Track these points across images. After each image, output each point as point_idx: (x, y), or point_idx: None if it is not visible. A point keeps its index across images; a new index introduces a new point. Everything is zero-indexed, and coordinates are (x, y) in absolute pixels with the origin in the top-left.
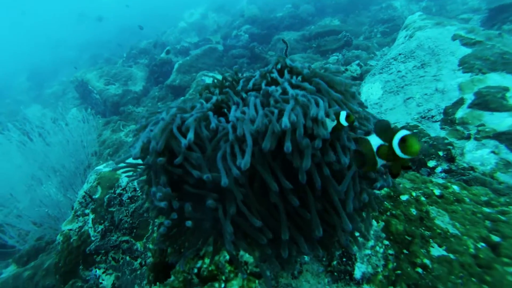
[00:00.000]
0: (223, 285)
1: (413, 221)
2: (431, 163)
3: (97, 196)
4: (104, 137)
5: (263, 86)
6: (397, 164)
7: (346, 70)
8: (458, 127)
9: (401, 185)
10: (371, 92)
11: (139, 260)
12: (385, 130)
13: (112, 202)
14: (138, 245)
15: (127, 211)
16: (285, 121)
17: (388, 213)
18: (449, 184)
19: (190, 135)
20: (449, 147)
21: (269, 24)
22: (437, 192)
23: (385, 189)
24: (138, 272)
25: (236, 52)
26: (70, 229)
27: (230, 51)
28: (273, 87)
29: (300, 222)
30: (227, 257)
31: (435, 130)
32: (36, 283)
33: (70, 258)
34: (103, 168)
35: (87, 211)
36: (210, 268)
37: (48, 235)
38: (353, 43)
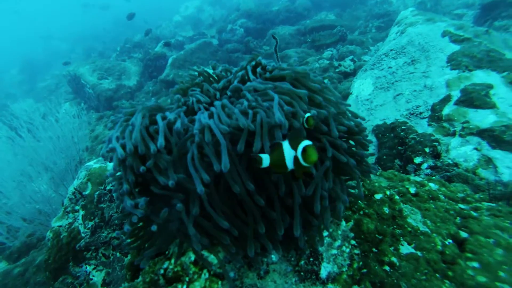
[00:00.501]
0: (185, 286)
1: (385, 220)
2: (417, 160)
3: (87, 192)
4: (97, 132)
5: (235, 83)
6: (299, 170)
7: (340, 65)
8: (445, 124)
9: (376, 184)
10: (362, 88)
11: (129, 257)
12: (295, 139)
13: (102, 199)
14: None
15: (117, 208)
16: (258, 120)
17: (361, 212)
18: (426, 182)
19: (160, 141)
20: (435, 143)
21: (265, 18)
22: (412, 190)
23: (361, 188)
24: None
25: (231, 46)
26: (60, 226)
27: (225, 45)
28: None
29: (265, 222)
30: (192, 258)
31: (422, 127)
32: (27, 280)
33: (60, 254)
34: (94, 164)
35: (77, 207)
36: (175, 269)
37: (39, 232)
38: (348, 38)
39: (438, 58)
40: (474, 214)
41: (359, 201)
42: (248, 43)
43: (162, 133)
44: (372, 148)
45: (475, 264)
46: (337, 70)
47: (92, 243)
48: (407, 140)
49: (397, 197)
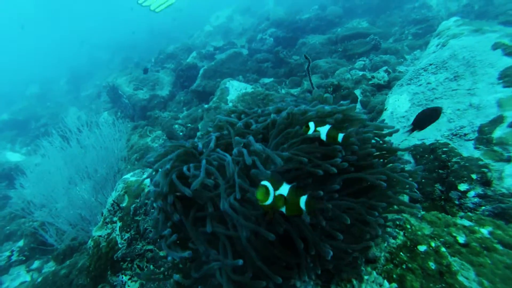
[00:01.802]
0: None
1: (431, 277)
2: (462, 186)
3: (124, 204)
4: (132, 141)
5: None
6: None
7: (373, 77)
8: (496, 148)
9: (419, 232)
10: (397, 104)
11: (162, 270)
12: (274, 181)
13: (138, 211)
14: (162, 254)
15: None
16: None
17: (404, 266)
18: (477, 227)
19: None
20: (484, 169)
21: (295, 27)
22: (461, 239)
23: (401, 237)
24: (161, 282)
25: (261, 56)
26: (100, 236)
27: (255, 55)
28: None
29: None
30: None
31: (468, 150)
32: (70, 281)
33: (99, 263)
34: (130, 177)
35: (115, 218)
36: None
37: (80, 236)
38: (382, 46)
39: (487, 74)
40: None
41: (401, 253)
42: (278, 53)
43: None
44: (408, 170)
45: None
46: (370, 82)
47: (128, 254)
48: (449, 163)
49: (443, 249)
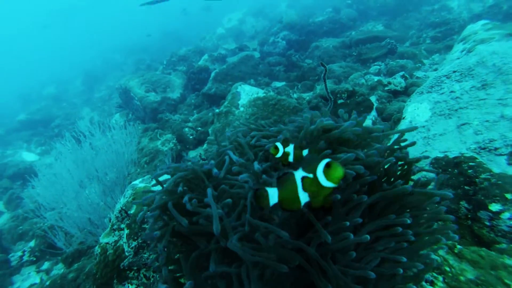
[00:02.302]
0: None
1: None
2: (494, 207)
3: (132, 211)
4: (142, 144)
5: None
6: (319, 197)
7: (389, 83)
8: None
9: (462, 278)
10: (417, 113)
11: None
12: (311, 163)
13: (146, 219)
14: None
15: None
16: None
17: None
18: None
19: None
20: None
21: (308, 30)
22: None
23: (440, 285)
24: None
25: (273, 59)
26: (107, 243)
27: (267, 58)
28: None
29: None
30: None
31: (499, 166)
32: (78, 285)
33: (106, 271)
34: (139, 183)
35: (122, 225)
36: None
37: (89, 240)
38: (398, 50)
39: None
40: None
41: None
42: (290, 56)
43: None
44: (430, 186)
45: None
46: (386, 88)
47: (134, 263)
48: (477, 180)
49: None
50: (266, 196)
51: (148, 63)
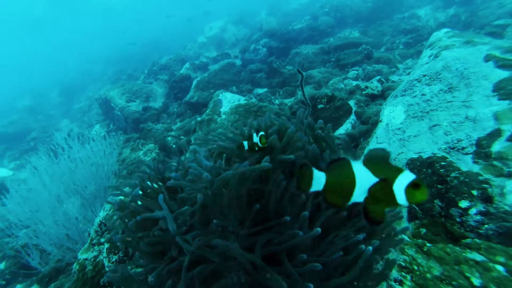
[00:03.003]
0: None
1: None
2: (463, 203)
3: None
4: (124, 155)
5: None
6: (378, 207)
7: (366, 87)
8: (495, 163)
9: (428, 275)
10: (393, 115)
11: None
12: (381, 165)
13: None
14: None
15: None
16: None
17: None
18: (491, 264)
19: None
20: (485, 185)
21: (287, 37)
22: (476, 282)
23: (408, 283)
24: None
25: (254, 66)
26: (86, 259)
27: (248, 65)
28: None
29: None
30: None
31: (466, 164)
32: None
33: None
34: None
35: (102, 239)
36: None
37: (67, 257)
38: (374, 55)
39: (481, 86)
40: None
41: None
42: (271, 63)
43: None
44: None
45: None
46: (364, 92)
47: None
48: (448, 178)
49: None
50: (310, 176)
51: (129, 73)
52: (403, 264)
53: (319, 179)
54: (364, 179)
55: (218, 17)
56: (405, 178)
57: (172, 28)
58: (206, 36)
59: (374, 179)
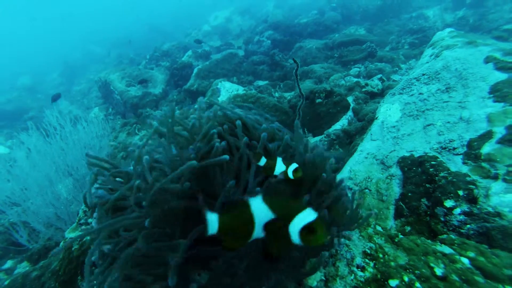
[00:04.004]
0: None
1: None
2: (448, 203)
3: None
4: (120, 139)
5: None
6: (281, 246)
7: (367, 85)
8: (484, 164)
9: (392, 263)
10: (389, 113)
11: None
12: (283, 199)
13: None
14: None
15: None
16: None
17: None
18: (457, 256)
19: None
20: (471, 186)
21: (292, 31)
22: (439, 272)
23: (370, 269)
24: None
25: (257, 58)
26: (72, 238)
27: (251, 57)
28: None
29: None
30: None
31: (456, 164)
32: (42, 284)
33: (70, 267)
34: None
35: (90, 220)
36: None
37: (57, 237)
38: (378, 54)
39: (478, 87)
40: None
41: None
42: (273, 56)
43: None
44: (396, 182)
45: None
46: (363, 89)
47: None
48: (436, 178)
49: (418, 284)
50: (204, 222)
51: (131, 57)
52: (368, 251)
53: (211, 222)
54: (262, 216)
55: (225, 6)
56: (303, 219)
57: (178, 14)
58: (210, 25)
59: (271, 216)
